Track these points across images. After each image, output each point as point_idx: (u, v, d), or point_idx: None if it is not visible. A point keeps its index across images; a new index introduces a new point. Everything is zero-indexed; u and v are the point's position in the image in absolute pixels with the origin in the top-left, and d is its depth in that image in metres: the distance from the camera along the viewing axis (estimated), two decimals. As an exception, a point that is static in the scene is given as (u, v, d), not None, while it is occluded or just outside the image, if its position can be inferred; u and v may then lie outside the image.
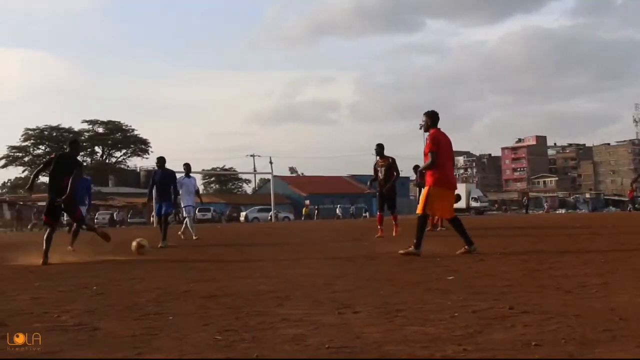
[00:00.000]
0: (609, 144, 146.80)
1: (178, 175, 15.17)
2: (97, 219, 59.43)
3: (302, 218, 65.15)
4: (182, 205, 16.14)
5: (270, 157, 73.69)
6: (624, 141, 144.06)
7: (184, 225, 16.39)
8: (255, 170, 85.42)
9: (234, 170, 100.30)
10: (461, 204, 49.38)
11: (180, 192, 15.61)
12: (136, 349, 3.31)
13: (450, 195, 8.76)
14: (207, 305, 4.78)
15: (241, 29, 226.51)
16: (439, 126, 8.75)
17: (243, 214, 64.26)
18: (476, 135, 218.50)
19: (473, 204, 66.25)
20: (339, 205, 72.68)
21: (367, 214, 72.80)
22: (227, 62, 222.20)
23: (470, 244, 8.39)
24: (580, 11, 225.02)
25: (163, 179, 13.32)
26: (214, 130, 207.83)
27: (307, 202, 71.91)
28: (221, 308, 4.60)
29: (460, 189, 60.14)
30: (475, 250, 8.32)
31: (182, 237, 15.75)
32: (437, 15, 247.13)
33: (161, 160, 13.51)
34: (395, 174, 14.12)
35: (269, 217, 61.34)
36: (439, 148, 8.49)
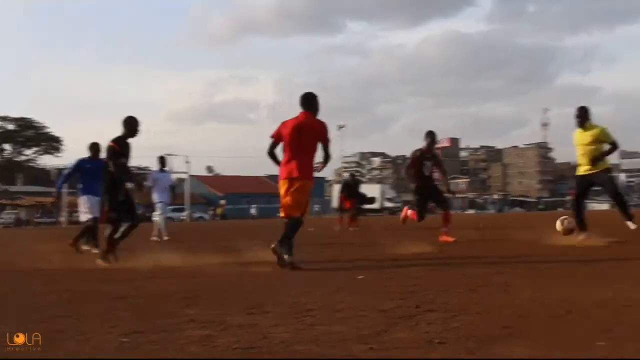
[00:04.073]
0: (517, 146, 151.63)
1: (151, 170, 13.84)
2: (2, 218, 57.36)
3: (217, 218, 64.65)
4: (155, 202, 15.18)
5: (187, 156, 72.77)
6: (532, 144, 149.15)
7: (156, 227, 15.27)
8: (171, 170, 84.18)
9: (149, 170, 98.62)
10: (375, 205, 50.05)
11: (154, 188, 14.94)
12: (37, 352, 3.24)
13: (292, 187, 7.35)
14: (115, 306, 4.70)
15: (165, 28, 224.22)
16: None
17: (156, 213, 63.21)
18: (393, 136, 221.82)
19: (387, 204, 67.36)
20: (253, 205, 72.53)
21: (284, 213, 72.79)
22: (149, 61, 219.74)
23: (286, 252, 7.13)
24: (495, 17, 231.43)
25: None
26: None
27: (223, 201, 71.44)
28: (130, 309, 4.53)
29: (375, 189, 61.58)
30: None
31: (157, 239, 14.67)
32: (359, 18, 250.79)
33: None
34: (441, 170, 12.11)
35: (183, 217, 60.58)
36: (278, 136, 7.53)
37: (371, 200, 19.85)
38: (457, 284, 5.45)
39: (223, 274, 6.93)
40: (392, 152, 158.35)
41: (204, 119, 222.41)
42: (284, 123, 7.52)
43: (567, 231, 9.53)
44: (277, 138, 7.54)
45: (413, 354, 3.02)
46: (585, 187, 9.81)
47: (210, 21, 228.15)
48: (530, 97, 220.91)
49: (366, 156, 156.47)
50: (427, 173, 11.53)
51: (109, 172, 8.39)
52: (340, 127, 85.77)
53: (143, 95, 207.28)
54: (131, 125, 8.53)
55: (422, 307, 4.23)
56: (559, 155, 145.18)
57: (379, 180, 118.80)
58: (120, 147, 8.40)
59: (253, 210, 69.71)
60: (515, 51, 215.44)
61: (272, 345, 3.25)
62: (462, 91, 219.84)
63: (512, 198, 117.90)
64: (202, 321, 3.94)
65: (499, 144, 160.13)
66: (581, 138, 9.64)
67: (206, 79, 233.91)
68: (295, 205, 7.33)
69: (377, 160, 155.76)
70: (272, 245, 7.12)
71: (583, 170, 9.67)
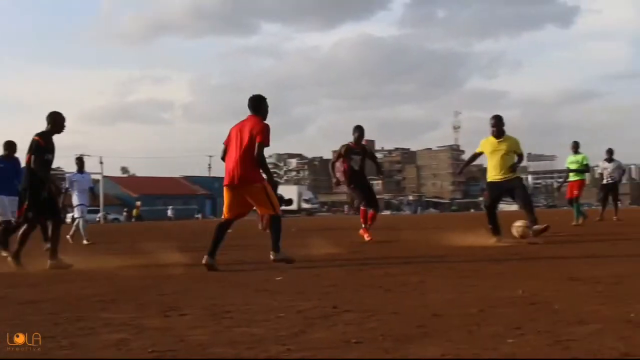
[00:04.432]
0: (431, 148, 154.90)
1: (69, 171, 12.95)
2: None
3: (133, 219, 63.45)
4: (74, 205, 14.50)
5: (101, 157, 71.16)
6: (444, 146, 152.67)
7: (73, 228, 14.59)
8: (84, 171, 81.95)
9: (61, 170, 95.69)
10: (292, 206, 50.11)
11: (72, 190, 14.25)
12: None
13: (231, 192, 7.34)
14: (25, 311, 4.55)
15: (75, 25, 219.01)
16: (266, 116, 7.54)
17: (70, 215, 61.46)
18: (309, 138, 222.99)
19: (304, 205, 67.67)
20: (170, 207, 71.57)
21: (200, 215, 72.28)
22: (58, 58, 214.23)
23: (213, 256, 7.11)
24: (407, 22, 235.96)
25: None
26: (42, 128, 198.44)
27: (138, 203, 70.19)
28: (40, 314, 4.40)
29: (292, 190, 61.75)
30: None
31: (71, 241, 13.85)
32: (273, 20, 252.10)
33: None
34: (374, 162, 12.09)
35: (97, 219, 59.16)
36: (228, 140, 7.49)
37: (289, 201, 19.70)
38: (373, 284, 5.53)
39: (139, 276, 6.81)
40: (309, 154, 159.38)
41: (117, 118, 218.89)
42: (231, 128, 7.50)
43: (524, 235, 9.86)
44: (227, 144, 7.47)
45: (330, 354, 3.05)
46: (498, 192, 10.09)
47: (122, 20, 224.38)
48: (441, 100, 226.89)
49: (283, 157, 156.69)
50: (356, 167, 11.22)
51: (30, 168, 7.95)
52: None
53: (53, 94, 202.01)
54: (56, 121, 8.13)
55: (339, 307, 4.27)
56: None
57: (296, 182, 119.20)
58: (45, 142, 7.99)
59: (170, 212, 68.75)
60: (427, 56, 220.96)
61: (189, 348, 3.22)
62: (376, 94, 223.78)
63: (426, 199, 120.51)
64: (117, 324, 3.86)
65: (413, 146, 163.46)
66: (495, 147, 9.91)
67: (118, 78, 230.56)
68: (264, 208, 7.46)
69: (293, 162, 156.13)
70: (272, 258, 7.25)
71: (496, 177, 9.95)
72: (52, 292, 5.65)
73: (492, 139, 9.97)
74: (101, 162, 70.89)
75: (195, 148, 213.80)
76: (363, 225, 11.30)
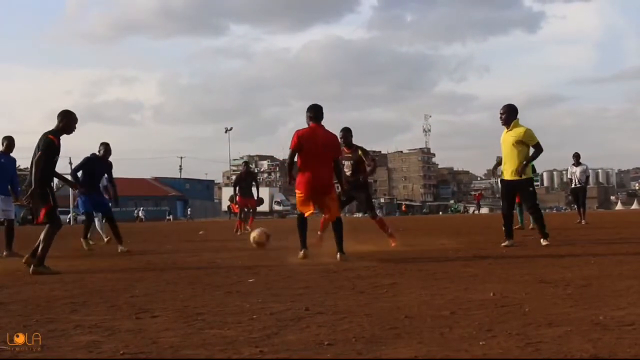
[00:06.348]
0: (401, 151, 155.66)
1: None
2: None
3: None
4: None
5: (70, 158, 70.31)
6: (415, 149, 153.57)
7: (98, 227, 14.06)
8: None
9: (29, 171, 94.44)
10: (264, 208, 50.03)
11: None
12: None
13: (311, 198, 8.28)
14: (-8, 313, 4.49)
15: (41, 23, 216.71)
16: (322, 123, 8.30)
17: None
18: (281, 140, 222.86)
19: (276, 207, 67.63)
20: (141, 208, 71.10)
21: (171, 217, 71.89)
22: (22, 57, 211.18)
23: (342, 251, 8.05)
24: (375, 24, 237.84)
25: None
26: (7, 128, 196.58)
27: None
28: (9, 316, 4.35)
29: (263, 193, 61.61)
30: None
31: (106, 240, 13.45)
32: (242, 21, 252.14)
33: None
34: (370, 167, 10.61)
35: (67, 220, 58.56)
36: (300, 148, 8.12)
37: (260, 201, 19.33)
38: (345, 286, 5.54)
39: (110, 278, 6.76)
40: (280, 155, 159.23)
41: (86, 119, 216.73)
42: (301, 135, 8.15)
43: (259, 243, 10.41)
44: (297, 148, 8.16)
45: (303, 356, 3.05)
46: (511, 194, 9.61)
47: (88, 19, 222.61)
48: (411, 103, 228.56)
49: (254, 159, 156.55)
50: (347, 172, 10.29)
51: (44, 166, 7.49)
52: (227, 130, 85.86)
53: (19, 93, 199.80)
54: (69, 120, 7.71)
55: (312, 309, 4.27)
56: (441, 160, 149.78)
57: (268, 184, 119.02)
58: (58, 142, 7.59)
59: (140, 213, 68.29)
60: (396, 58, 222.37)
61: (161, 350, 3.21)
62: (346, 96, 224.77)
63: (397, 202, 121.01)
64: (88, 326, 3.83)
65: (384, 149, 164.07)
66: (503, 138, 9.41)
67: (86, 78, 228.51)
68: (334, 211, 8.41)
69: (265, 164, 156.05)
70: (340, 258, 7.94)
71: (507, 175, 9.39)
72: (21, 293, 5.58)
73: (505, 130, 9.45)
74: (70, 163, 69.96)
75: (165, 149, 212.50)
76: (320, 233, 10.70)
